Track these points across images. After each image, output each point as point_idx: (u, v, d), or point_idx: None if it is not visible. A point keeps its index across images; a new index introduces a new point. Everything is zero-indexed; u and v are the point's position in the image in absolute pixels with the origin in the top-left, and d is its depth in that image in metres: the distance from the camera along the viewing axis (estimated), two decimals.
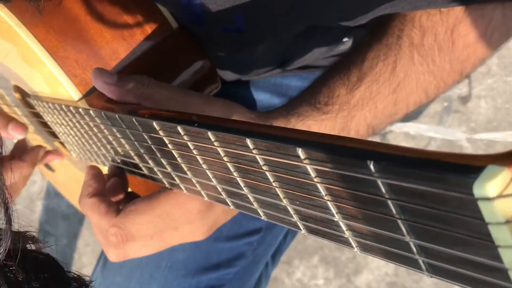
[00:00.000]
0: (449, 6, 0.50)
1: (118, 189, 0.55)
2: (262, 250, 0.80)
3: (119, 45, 0.55)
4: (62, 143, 0.70)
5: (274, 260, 0.88)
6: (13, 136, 0.71)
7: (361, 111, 0.53)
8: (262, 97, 0.78)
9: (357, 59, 0.53)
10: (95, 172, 0.54)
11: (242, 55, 0.65)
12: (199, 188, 0.42)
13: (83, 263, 1.62)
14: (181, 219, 0.49)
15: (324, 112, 0.52)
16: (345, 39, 0.76)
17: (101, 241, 0.52)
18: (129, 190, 0.57)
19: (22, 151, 0.69)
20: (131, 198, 0.54)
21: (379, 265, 1.35)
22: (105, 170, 0.65)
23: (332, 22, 0.55)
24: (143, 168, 0.50)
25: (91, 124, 0.51)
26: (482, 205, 0.20)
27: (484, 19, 0.51)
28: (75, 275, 0.34)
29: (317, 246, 1.40)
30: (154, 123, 0.39)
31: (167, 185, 0.48)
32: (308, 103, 0.53)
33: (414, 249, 0.25)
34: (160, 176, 0.47)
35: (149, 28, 0.56)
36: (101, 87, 0.50)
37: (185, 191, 0.45)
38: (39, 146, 0.71)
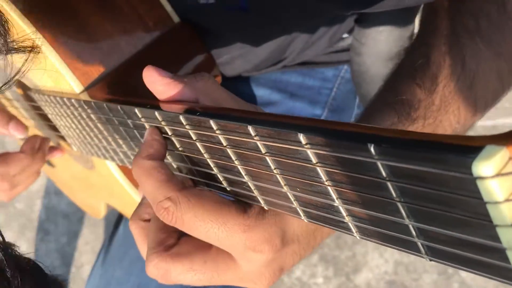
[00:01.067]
0: None
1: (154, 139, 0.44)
2: None
3: (121, 38, 0.56)
4: (63, 137, 0.71)
5: None
6: (13, 135, 0.72)
7: (446, 114, 0.47)
8: (262, 93, 0.79)
9: (421, 59, 0.48)
10: (158, 136, 0.43)
11: (245, 41, 0.64)
12: (199, 178, 0.42)
13: (82, 262, 1.63)
14: (237, 248, 0.38)
15: (412, 119, 0.46)
16: (345, 35, 0.77)
17: (154, 210, 0.42)
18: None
19: (31, 147, 0.70)
20: None
21: (379, 263, 1.36)
22: (107, 167, 0.65)
23: (338, 4, 0.53)
24: None
25: (92, 116, 0.52)
26: (480, 184, 0.20)
27: None
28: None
29: None
30: (156, 113, 0.40)
31: None
32: (388, 115, 0.46)
33: (414, 232, 0.26)
34: None
35: (150, 22, 0.57)
36: (155, 82, 0.42)
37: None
38: (47, 139, 0.72)
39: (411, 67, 0.49)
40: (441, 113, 0.47)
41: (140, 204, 0.46)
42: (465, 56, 0.47)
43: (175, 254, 0.41)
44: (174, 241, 0.42)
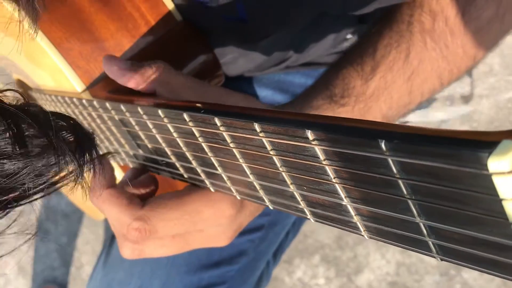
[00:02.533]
0: None
1: (151, 183, 0.50)
2: (264, 247, 0.80)
3: (123, 37, 0.55)
4: None
5: (275, 258, 0.88)
6: None
7: (376, 102, 0.51)
8: (265, 94, 0.78)
9: (369, 48, 0.52)
10: (105, 162, 0.48)
11: (246, 47, 0.64)
12: (203, 177, 0.42)
13: (82, 262, 1.62)
14: (210, 220, 0.44)
15: (341, 104, 0.51)
16: (348, 36, 0.76)
17: (117, 236, 0.47)
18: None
19: None
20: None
21: (380, 264, 1.35)
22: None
23: (336, 10, 0.54)
24: (144, 159, 0.50)
25: (94, 115, 0.51)
26: (496, 180, 0.20)
27: (494, 0, 0.50)
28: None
29: (318, 245, 1.40)
30: (160, 111, 0.39)
31: (169, 176, 0.48)
32: (323, 95, 0.51)
33: (425, 231, 0.25)
34: (163, 166, 0.47)
35: (153, 20, 0.56)
36: (114, 72, 0.46)
37: (190, 182, 0.45)
38: None
39: (357, 53, 0.52)
40: (372, 99, 0.51)
41: (92, 179, 0.46)
42: (409, 53, 0.51)
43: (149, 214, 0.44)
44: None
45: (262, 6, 0.51)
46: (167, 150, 0.43)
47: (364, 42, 0.53)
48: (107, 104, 0.47)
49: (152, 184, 0.49)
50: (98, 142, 0.56)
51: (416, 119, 1.33)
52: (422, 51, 0.51)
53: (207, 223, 0.44)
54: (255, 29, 0.56)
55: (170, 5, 0.57)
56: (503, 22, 0.51)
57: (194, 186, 0.45)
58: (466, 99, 1.31)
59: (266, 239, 0.80)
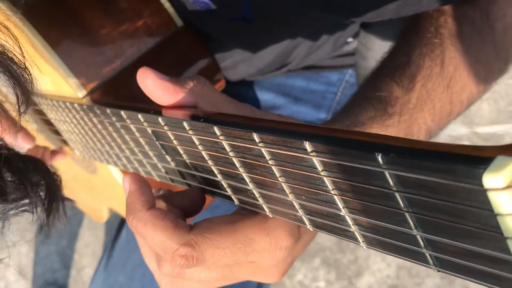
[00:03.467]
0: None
1: (195, 201, 0.44)
2: None
3: (124, 42, 0.55)
4: (65, 141, 0.70)
5: None
6: (21, 146, 0.72)
7: (421, 112, 0.49)
8: (266, 97, 0.78)
9: (402, 59, 0.50)
10: (139, 179, 0.42)
11: (247, 50, 0.64)
12: (204, 185, 0.42)
13: (83, 264, 1.62)
14: (264, 252, 0.39)
15: (389, 115, 0.48)
16: (349, 40, 0.77)
17: (158, 260, 0.41)
18: None
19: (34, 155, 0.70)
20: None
21: (381, 267, 1.35)
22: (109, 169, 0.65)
23: (342, 15, 0.53)
24: (147, 165, 0.50)
25: (95, 120, 0.51)
26: (491, 196, 0.20)
27: None
28: None
29: (319, 248, 1.40)
30: (160, 119, 0.39)
31: (169, 181, 0.48)
32: (367, 110, 0.48)
33: (422, 243, 0.25)
34: (164, 173, 0.47)
35: (154, 26, 0.57)
36: (153, 85, 0.41)
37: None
38: (46, 148, 0.72)
39: (391, 66, 0.51)
40: (417, 110, 0.48)
41: (134, 202, 0.41)
42: (444, 59, 0.49)
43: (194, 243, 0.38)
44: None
45: (268, 5, 0.50)
46: (167, 157, 0.44)
47: (395, 55, 0.52)
48: (108, 111, 0.47)
49: (197, 201, 0.44)
50: (99, 147, 0.57)
51: None
52: (456, 56, 0.49)
53: (261, 255, 0.39)
54: (259, 29, 0.56)
55: (171, 11, 0.57)
56: None
57: (246, 210, 0.40)
58: None
59: None
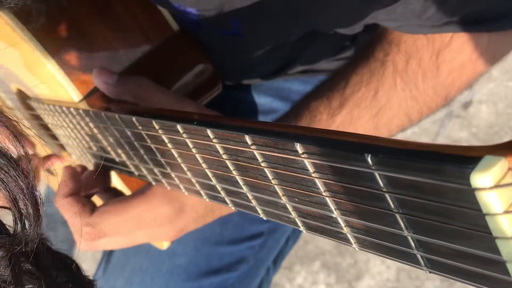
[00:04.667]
0: (436, 33, 0.50)
1: (93, 184, 0.57)
2: (263, 254, 0.80)
3: (121, 47, 0.56)
4: (62, 146, 0.70)
5: (275, 265, 0.88)
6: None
7: None
8: (263, 101, 0.78)
9: (341, 83, 0.54)
10: (71, 172, 0.56)
11: (241, 58, 0.65)
12: (198, 187, 0.42)
13: (83, 269, 1.62)
14: (151, 223, 0.52)
15: None
16: (347, 43, 0.77)
17: (75, 237, 0.55)
18: (113, 186, 0.61)
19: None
20: (114, 193, 0.59)
21: (381, 270, 1.35)
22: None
23: (328, 29, 0.56)
24: (142, 169, 0.50)
25: (91, 125, 0.52)
26: (479, 196, 0.20)
27: (469, 45, 0.51)
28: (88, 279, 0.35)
29: (318, 252, 1.40)
30: (154, 122, 0.39)
31: (167, 186, 0.48)
32: (295, 122, 0.54)
33: (413, 244, 0.25)
34: (160, 176, 0.47)
35: (150, 30, 0.57)
36: (101, 86, 0.52)
37: (185, 192, 0.45)
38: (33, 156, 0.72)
39: (329, 86, 0.55)
40: None
41: (59, 185, 0.55)
42: (379, 91, 0.53)
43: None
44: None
45: (257, 23, 0.51)
46: (162, 160, 0.44)
47: (338, 76, 0.55)
48: (103, 115, 0.47)
49: (96, 184, 0.57)
50: (95, 151, 0.57)
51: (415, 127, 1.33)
52: (391, 90, 0.53)
53: (149, 225, 0.52)
54: (250, 43, 0.57)
55: (167, 16, 0.57)
56: (475, 66, 0.52)
57: (138, 192, 0.53)
58: (466, 105, 1.31)
59: (266, 246, 0.80)
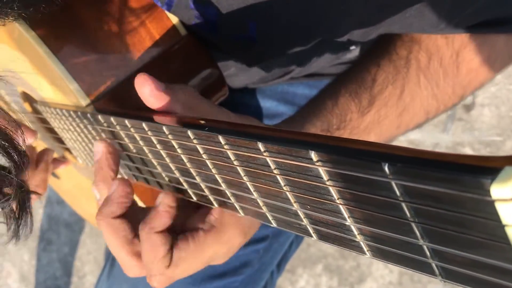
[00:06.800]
0: (454, 33, 0.51)
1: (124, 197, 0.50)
2: (268, 258, 0.80)
3: (128, 51, 0.55)
4: (68, 149, 0.70)
5: (279, 268, 0.88)
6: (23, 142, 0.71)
7: (368, 135, 0.53)
8: (269, 105, 0.78)
9: (367, 78, 0.53)
10: (128, 190, 0.47)
11: (251, 63, 0.65)
12: (207, 193, 0.42)
13: (85, 272, 1.62)
14: (224, 255, 0.48)
15: (339, 134, 0.53)
16: (352, 47, 0.77)
17: (124, 269, 0.51)
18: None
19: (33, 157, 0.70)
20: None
21: (383, 273, 1.35)
22: None
23: (344, 37, 0.55)
24: (150, 174, 0.50)
25: (98, 129, 0.52)
26: (499, 207, 0.20)
27: (487, 45, 0.52)
28: None
29: (321, 255, 1.40)
30: (164, 128, 0.39)
31: (174, 191, 0.48)
32: (321, 123, 0.53)
33: (428, 253, 0.25)
34: (167, 181, 0.47)
35: (157, 35, 0.57)
36: (147, 94, 0.44)
37: (194, 198, 0.45)
38: (49, 150, 0.72)
39: (355, 81, 0.54)
40: (365, 133, 0.53)
41: (107, 201, 0.48)
42: (405, 89, 0.53)
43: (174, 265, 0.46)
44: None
45: (273, 29, 0.51)
46: (171, 166, 0.44)
47: (363, 70, 0.55)
48: (112, 119, 0.47)
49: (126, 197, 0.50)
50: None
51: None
52: (415, 88, 0.53)
53: (221, 258, 0.48)
54: (262, 49, 0.57)
55: (175, 20, 0.57)
56: (493, 67, 0.53)
57: (210, 228, 0.46)
58: (468, 108, 1.31)
59: (270, 249, 0.80)
